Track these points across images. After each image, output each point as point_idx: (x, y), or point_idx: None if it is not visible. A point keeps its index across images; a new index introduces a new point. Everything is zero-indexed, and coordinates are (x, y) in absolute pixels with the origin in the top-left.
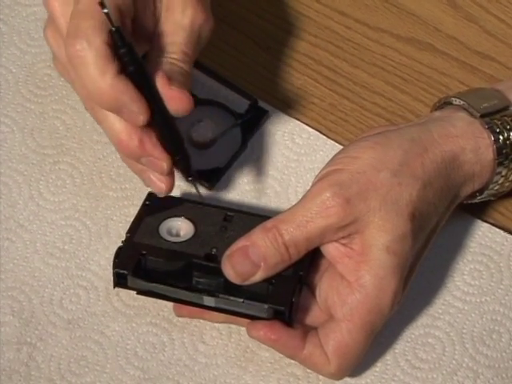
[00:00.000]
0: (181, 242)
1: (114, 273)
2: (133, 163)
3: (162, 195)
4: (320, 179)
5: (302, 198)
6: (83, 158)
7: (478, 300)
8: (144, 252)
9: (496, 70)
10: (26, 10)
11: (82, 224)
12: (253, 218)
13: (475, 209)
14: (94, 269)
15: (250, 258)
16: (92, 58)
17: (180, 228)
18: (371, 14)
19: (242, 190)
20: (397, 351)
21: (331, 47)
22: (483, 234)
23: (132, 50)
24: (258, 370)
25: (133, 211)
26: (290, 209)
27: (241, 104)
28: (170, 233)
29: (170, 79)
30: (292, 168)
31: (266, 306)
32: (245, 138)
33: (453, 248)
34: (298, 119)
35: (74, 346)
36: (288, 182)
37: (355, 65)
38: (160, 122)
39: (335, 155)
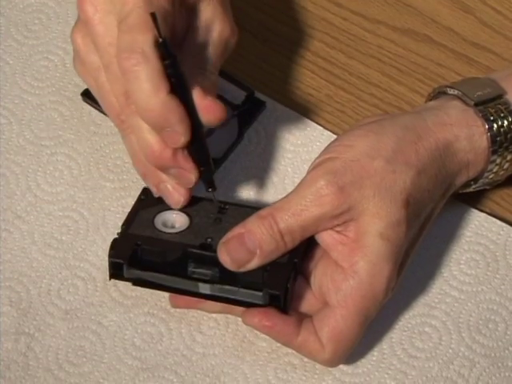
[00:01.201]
0: (176, 233)
1: (109, 263)
2: (150, 174)
3: (177, 207)
4: (314, 167)
5: (296, 186)
6: (80, 149)
7: (474, 289)
8: (139, 242)
9: (492, 61)
10: (23, 1)
11: (80, 215)
12: (247, 210)
13: (472, 198)
14: (91, 259)
15: (246, 245)
16: (147, 74)
17: (175, 220)
18: (367, 5)
19: (238, 181)
20: (393, 340)
21: (327, 38)
22: (479, 224)
23: (176, 62)
24: (256, 359)
25: (130, 202)
26: (285, 197)
27: (238, 95)
28: (165, 225)
29: (204, 90)
30: (289, 159)
31: (261, 292)
32: (241, 129)
33: (449, 237)
34: (295, 110)
35: (72, 336)
36: (285, 172)
37: (351, 56)
38: (193, 133)
39: (330, 144)
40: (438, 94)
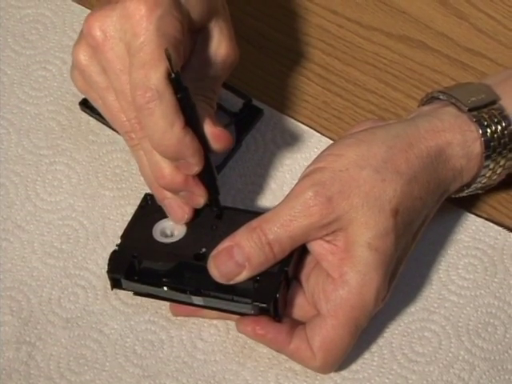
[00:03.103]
0: (172, 243)
1: (108, 277)
2: (156, 189)
3: (180, 223)
4: (303, 178)
5: (286, 197)
6: (79, 158)
7: (472, 294)
8: (136, 254)
9: (487, 67)
10: (20, 12)
11: (79, 223)
12: (243, 214)
13: (469, 203)
14: (91, 268)
15: (235, 259)
16: (161, 110)
17: (173, 228)
18: (362, 12)
19: (237, 188)
20: (394, 345)
21: (323, 45)
22: (477, 229)
23: (188, 94)
24: (257, 365)
25: (129, 210)
26: (274, 208)
27: (235, 103)
28: (162, 234)
29: (211, 117)
30: (286, 165)
31: (250, 304)
32: (239, 136)
33: (447, 243)
34: (292, 117)
35: (73, 344)
36: (283, 179)
37: (347, 63)
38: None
39: (321, 153)
40: (432, 98)
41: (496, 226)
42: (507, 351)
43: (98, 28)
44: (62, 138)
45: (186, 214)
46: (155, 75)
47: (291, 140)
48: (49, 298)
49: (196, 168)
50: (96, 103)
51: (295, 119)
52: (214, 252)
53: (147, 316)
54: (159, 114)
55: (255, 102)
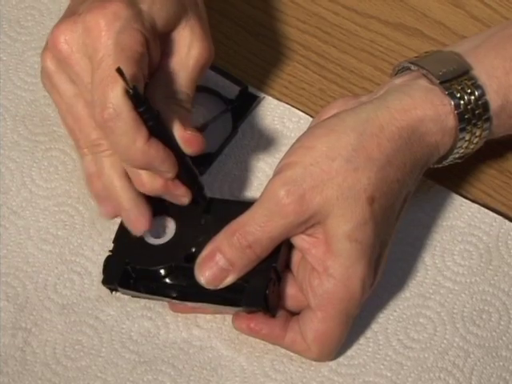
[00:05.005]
0: (163, 245)
1: (104, 286)
2: (109, 209)
3: (139, 234)
4: (275, 175)
5: (260, 197)
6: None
7: (467, 280)
8: (128, 260)
9: None
10: None
11: (75, 210)
12: (230, 205)
13: (465, 190)
14: (87, 254)
15: (218, 265)
16: (121, 128)
17: (163, 227)
18: (359, 0)
19: (233, 174)
20: (389, 331)
21: (320, 33)
22: (472, 215)
23: (149, 106)
24: (252, 351)
25: None
26: (251, 209)
27: (231, 90)
28: (153, 234)
29: (182, 121)
30: (282, 152)
31: (241, 307)
32: (235, 123)
33: (443, 229)
34: (288, 104)
35: (69, 330)
36: None
37: (344, 50)
38: (179, 162)
39: (293, 144)
40: (403, 68)
41: (491, 213)
42: (501, 338)
43: (63, 42)
44: (57, 124)
45: (142, 226)
46: (112, 93)
47: (287, 126)
48: (45, 284)
49: (168, 175)
50: (58, 106)
51: (291, 106)
52: (198, 260)
53: (143, 302)
54: (119, 131)
55: (251, 89)
